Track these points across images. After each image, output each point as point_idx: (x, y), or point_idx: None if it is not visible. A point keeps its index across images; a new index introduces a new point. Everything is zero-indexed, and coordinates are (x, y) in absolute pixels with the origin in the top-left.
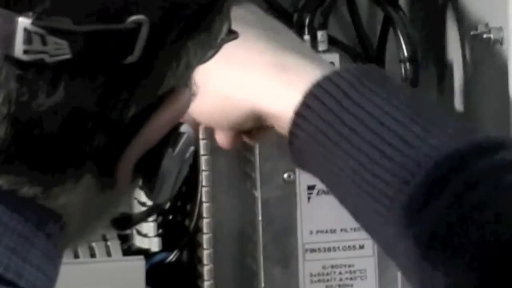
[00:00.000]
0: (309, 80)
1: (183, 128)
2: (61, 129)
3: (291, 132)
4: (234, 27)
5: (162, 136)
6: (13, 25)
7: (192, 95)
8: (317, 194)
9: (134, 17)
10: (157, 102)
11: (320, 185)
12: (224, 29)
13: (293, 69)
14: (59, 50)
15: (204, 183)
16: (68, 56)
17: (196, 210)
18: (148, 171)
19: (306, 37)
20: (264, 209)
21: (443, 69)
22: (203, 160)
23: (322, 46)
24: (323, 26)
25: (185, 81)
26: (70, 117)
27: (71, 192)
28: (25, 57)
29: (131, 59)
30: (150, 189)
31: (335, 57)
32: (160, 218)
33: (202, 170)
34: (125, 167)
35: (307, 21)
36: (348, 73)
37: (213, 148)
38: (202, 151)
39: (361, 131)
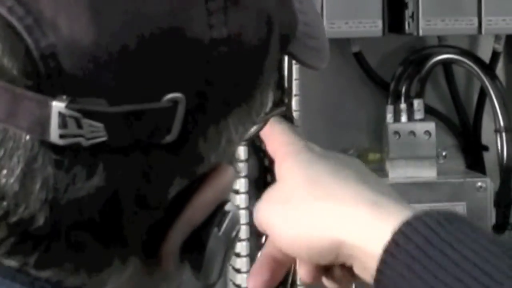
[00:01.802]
0: (400, 219)
1: (228, 206)
2: (101, 213)
3: (379, 270)
4: (326, 162)
5: (206, 215)
6: (47, 110)
7: (236, 171)
8: None
9: (170, 95)
10: (200, 180)
11: None
12: (267, 103)
13: (385, 207)
14: (95, 132)
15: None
16: (104, 138)
17: (290, 277)
18: (194, 252)
19: (403, 105)
20: None
21: None
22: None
23: (418, 115)
24: (420, 95)
25: (227, 158)
26: (109, 200)
27: (118, 277)
28: (61, 142)
29: (169, 138)
30: (198, 269)
31: (431, 126)
32: None
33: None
34: (170, 249)
35: (403, 90)
36: (436, 214)
37: None
38: None
39: (450, 272)
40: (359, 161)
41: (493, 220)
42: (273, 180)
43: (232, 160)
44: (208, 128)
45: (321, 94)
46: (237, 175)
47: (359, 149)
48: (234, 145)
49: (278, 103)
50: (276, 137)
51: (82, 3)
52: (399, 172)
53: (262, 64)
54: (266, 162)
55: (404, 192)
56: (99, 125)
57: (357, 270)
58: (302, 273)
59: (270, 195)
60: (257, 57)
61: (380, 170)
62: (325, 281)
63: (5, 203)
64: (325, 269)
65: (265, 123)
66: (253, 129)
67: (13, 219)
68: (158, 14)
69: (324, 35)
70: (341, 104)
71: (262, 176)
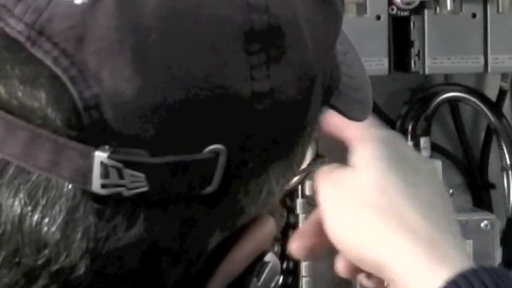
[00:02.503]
0: (455, 268)
1: (268, 257)
2: (141, 264)
3: None
4: (403, 172)
5: (245, 267)
6: (90, 160)
7: (277, 222)
8: None
9: (211, 147)
10: (239, 232)
11: None
12: (308, 155)
13: (443, 250)
14: (137, 183)
15: None
16: (145, 189)
17: None
18: None
19: (409, 143)
20: None
21: None
22: (303, 266)
23: (425, 152)
24: (426, 133)
25: (268, 209)
26: (149, 251)
27: None
28: (103, 191)
29: (209, 189)
30: None
31: (437, 164)
32: None
33: (303, 276)
34: None
35: (410, 128)
36: (493, 273)
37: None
38: None
39: None
40: (430, 170)
41: (499, 259)
42: (296, 221)
43: (273, 210)
44: (249, 181)
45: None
46: (278, 226)
47: None
48: (275, 196)
49: (319, 154)
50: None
51: (126, 56)
52: None
53: (304, 118)
54: (288, 202)
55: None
56: (141, 175)
57: None
58: (340, 267)
59: (339, 175)
60: (299, 111)
61: None
62: (361, 276)
63: (46, 251)
64: (361, 271)
65: (307, 174)
66: (295, 179)
67: (55, 267)
68: (200, 68)
69: (368, 86)
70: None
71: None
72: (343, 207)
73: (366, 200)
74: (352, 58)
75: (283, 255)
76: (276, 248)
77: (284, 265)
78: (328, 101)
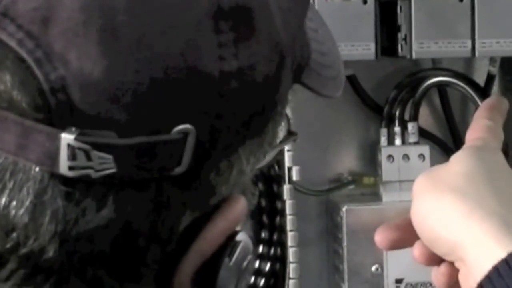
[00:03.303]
0: None
1: (240, 236)
2: (112, 245)
3: (481, 284)
4: (491, 167)
5: (217, 246)
6: (57, 142)
7: (249, 201)
8: (405, 287)
9: (180, 127)
10: (211, 211)
11: (408, 279)
12: (279, 133)
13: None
14: (104, 164)
15: (292, 275)
16: (113, 170)
17: None
18: (206, 283)
19: (397, 128)
20: None
21: None
22: (290, 252)
23: (412, 138)
24: (414, 118)
25: (239, 188)
26: (120, 233)
27: None
28: (70, 174)
29: (178, 170)
30: None
31: (425, 150)
32: None
33: (290, 262)
34: (181, 280)
35: (397, 113)
36: None
37: (301, 240)
38: (290, 242)
39: None
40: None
41: None
42: (268, 205)
43: (244, 190)
44: (219, 161)
45: (314, 117)
46: (250, 204)
47: (353, 172)
48: (246, 176)
49: (291, 131)
50: (477, 129)
51: (92, 38)
52: (393, 196)
53: (274, 95)
54: (261, 187)
55: (398, 216)
56: (109, 157)
57: (460, 277)
58: (416, 253)
59: (433, 168)
60: (269, 89)
61: (374, 194)
62: (433, 274)
63: (15, 235)
64: (437, 260)
65: (281, 151)
66: (265, 159)
67: (23, 251)
68: (168, 48)
69: (340, 63)
70: (335, 127)
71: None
72: (429, 192)
73: (451, 185)
74: (323, 35)
75: (271, 241)
76: (263, 235)
77: (272, 252)
78: (299, 79)
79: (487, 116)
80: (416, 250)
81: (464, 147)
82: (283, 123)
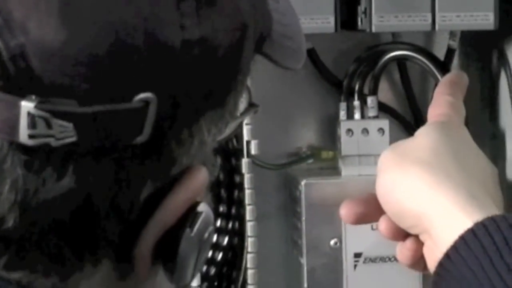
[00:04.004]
0: (486, 214)
1: (201, 207)
2: (72, 215)
3: (447, 254)
4: (457, 143)
5: (178, 217)
6: (16, 110)
7: (210, 172)
8: (364, 262)
9: (141, 95)
10: (172, 182)
11: (367, 253)
12: (241, 103)
13: (480, 202)
14: (65, 133)
15: (250, 250)
16: (74, 139)
17: (241, 277)
18: (167, 254)
19: (356, 102)
20: (310, 276)
21: (496, 139)
22: (249, 226)
23: (372, 112)
24: (373, 92)
25: (200, 159)
26: (80, 203)
27: (90, 280)
28: (30, 142)
29: (140, 139)
30: (171, 272)
31: (385, 124)
32: (205, 285)
33: (248, 236)
34: (142, 251)
35: (357, 87)
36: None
37: (259, 214)
38: (248, 216)
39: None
40: (485, 160)
41: None
42: (226, 179)
43: (205, 161)
44: (181, 131)
45: (273, 91)
46: (211, 176)
47: (312, 147)
48: (207, 146)
49: (252, 103)
50: (440, 105)
51: (52, 6)
52: (352, 169)
53: (236, 65)
54: (234, 162)
55: (357, 190)
56: (69, 125)
57: (425, 250)
58: (381, 226)
59: (399, 142)
60: (231, 58)
61: (333, 168)
62: (398, 249)
63: None
64: (402, 235)
65: (239, 124)
66: (227, 129)
67: None
68: (128, 15)
69: (301, 35)
70: (293, 101)
71: (229, 177)
72: (395, 166)
73: (417, 158)
74: (284, 6)
75: (229, 215)
76: (221, 209)
77: (230, 226)
78: (260, 49)
79: (448, 92)
80: (381, 225)
81: (429, 122)
82: (244, 94)
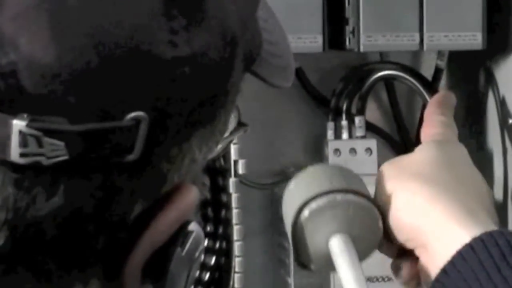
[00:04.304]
0: (484, 229)
1: (192, 226)
2: (62, 234)
3: (444, 269)
4: (453, 156)
5: (168, 236)
6: (7, 129)
7: (201, 191)
8: None
9: (132, 114)
10: (162, 200)
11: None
12: (231, 122)
13: (478, 218)
14: (56, 151)
15: (237, 269)
16: (65, 157)
17: None
18: (156, 273)
19: (344, 122)
20: None
21: (483, 157)
22: (236, 246)
23: (359, 132)
24: (361, 112)
25: (191, 178)
26: (70, 220)
27: None
28: (21, 161)
29: (131, 157)
30: None
31: (372, 143)
32: None
33: (236, 256)
34: (131, 270)
35: (344, 107)
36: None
37: (247, 234)
38: (235, 236)
39: None
40: (479, 177)
41: None
42: (213, 198)
43: (196, 179)
44: (171, 149)
45: (260, 111)
46: (201, 195)
47: (299, 166)
48: (198, 164)
49: (241, 122)
50: (434, 125)
51: (42, 22)
52: None
53: (226, 84)
54: (221, 182)
55: None
56: (60, 143)
57: (421, 264)
58: (384, 247)
59: (399, 158)
60: (221, 76)
61: None
62: (393, 266)
63: None
64: (396, 252)
65: (229, 143)
66: (217, 148)
67: None
68: (119, 32)
69: (290, 53)
70: (281, 121)
71: (216, 196)
72: (393, 179)
73: (415, 172)
74: (272, 24)
75: (216, 235)
76: (209, 228)
77: (217, 245)
78: (250, 68)
79: (439, 112)
80: (386, 247)
81: (426, 141)
82: (234, 113)
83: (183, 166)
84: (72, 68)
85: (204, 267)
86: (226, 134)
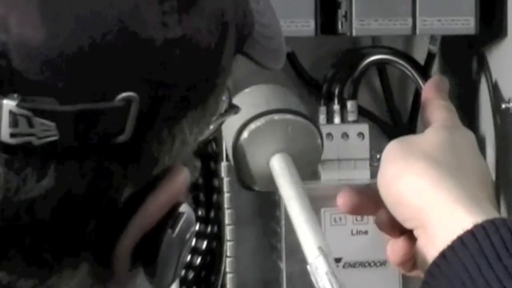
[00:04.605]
0: (486, 217)
1: (183, 208)
2: (53, 215)
3: (443, 253)
4: (462, 140)
5: (159, 218)
6: None
7: (192, 173)
8: (344, 267)
9: (123, 95)
10: (153, 182)
11: (346, 258)
12: (222, 104)
13: (481, 205)
14: (47, 131)
15: (228, 254)
16: (56, 138)
17: (220, 281)
18: (147, 256)
19: (336, 107)
20: (289, 281)
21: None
22: (228, 230)
23: (351, 116)
24: (353, 96)
25: (182, 159)
26: (61, 202)
27: (69, 283)
28: (12, 141)
29: (122, 138)
30: (151, 275)
31: (364, 128)
32: None
33: (227, 240)
34: (122, 253)
35: (336, 91)
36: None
37: (239, 219)
38: (227, 220)
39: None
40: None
41: None
42: (205, 182)
43: (187, 161)
44: (162, 130)
45: None
46: (192, 177)
47: None
48: (188, 146)
49: (232, 104)
50: (438, 109)
51: (33, 4)
52: (331, 174)
53: (218, 65)
54: (213, 166)
55: (337, 194)
56: (51, 124)
57: (419, 245)
58: (380, 218)
59: (407, 137)
60: (212, 58)
61: (312, 172)
62: (389, 246)
63: None
64: (396, 231)
65: (220, 124)
66: (208, 130)
67: None
68: (109, 13)
69: (281, 35)
70: None
71: (208, 181)
72: (401, 157)
73: (424, 153)
74: (264, 6)
75: (207, 219)
76: (200, 213)
77: (209, 230)
78: (241, 49)
79: (440, 97)
80: (379, 217)
81: (436, 125)
82: (225, 95)
83: (173, 148)
84: (63, 50)
85: (195, 251)
86: (218, 116)
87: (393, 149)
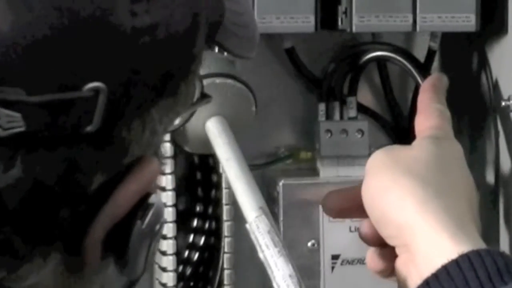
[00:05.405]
0: (472, 246)
1: (152, 199)
2: (22, 205)
3: (427, 281)
4: (452, 157)
5: (129, 207)
6: None
7: (161, 163)
8: (341, 263)
9: (91, 85)
10: (123, 172)
11: (344, 255)
12: (193, 94)
13: (467, 229)
14: (13, 122)
15: (226, 250)
16: (22, 129)
17: (218, 277)
18: (117, 246)
19: (335, 103)
20: None
21: (475, 138)
22: (226, 226)
23: (351, 113)
24: (353, 93)
25: (152, 149)
26: (30, 193)
27: (39, 273)
28: None
29: (90, 129)
30: (123, 265)
31: (364, 125)
32: (181, 285)
33: (225, 236)
34: (92, 244)
35: (336, 87)
36: (506, 258)
37: (237, 214)
38: (225, 217)
39: None
40: (469, 177)
41: None
42: (203, 178)
43: (157, 151)
44: (132, 120)
45: None
46: (162, 167)
47: (291, 147)
48: (159, 136)
49: (204, 93)
50: (431, 115)
51: None
52: (331, 171)
53: (188, 54)
54: (196, 160)
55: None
56: (17, 115)
57: (399, 263)
58: (364, 229)
59: (395, 147)
60: (183, 47)
61: (311, 169)
62: (369, 255)
63: None
64: (380, 243)
65: (191, 115)
66: (179, 120)
67: None
68: (78, 2)
69: (255, 24)
70: (272, 101)
71: (191, 174)
72: (386, 170)
73: (411, 169)
74: None
75: (206, 215)
76: (198, 208)
77: (207, 225)
78: (213, 38)
79: (436, 99)
80: (363, 228)
81: (425, 135)
82: (196, 84)
83: (143, 137)
84: (29, 38)
85: (193, 247)
86: (188, 105)
87: (378, 161)
